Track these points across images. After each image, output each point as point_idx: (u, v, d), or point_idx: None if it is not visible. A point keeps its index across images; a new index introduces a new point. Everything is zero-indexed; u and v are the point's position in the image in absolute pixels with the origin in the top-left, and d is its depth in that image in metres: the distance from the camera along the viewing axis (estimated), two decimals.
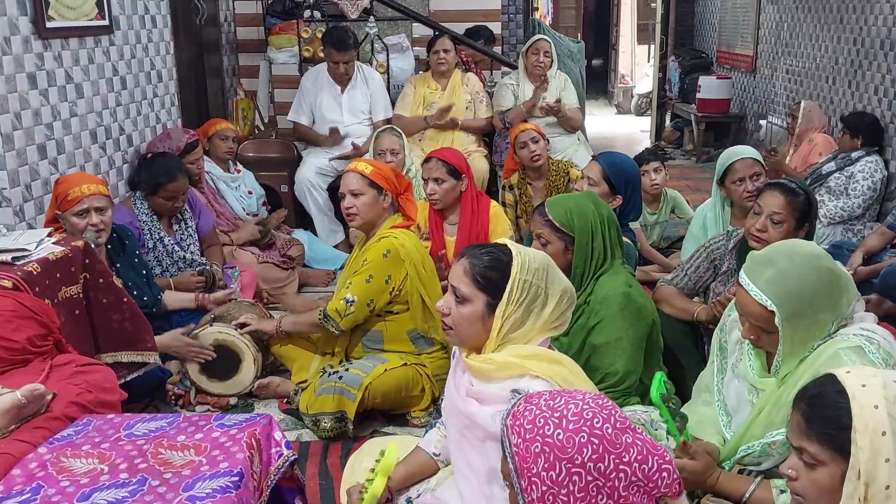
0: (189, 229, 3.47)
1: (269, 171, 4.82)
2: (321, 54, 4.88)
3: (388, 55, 5.09)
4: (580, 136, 4.87)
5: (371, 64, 5.03)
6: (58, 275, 2.05)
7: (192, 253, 3.44)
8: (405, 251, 2.66)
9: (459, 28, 5.35)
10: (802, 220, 2.55)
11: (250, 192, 4.45)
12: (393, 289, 2.66)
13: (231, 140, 4.34)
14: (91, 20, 3.48)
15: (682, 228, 4.40)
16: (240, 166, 4.51)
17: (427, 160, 3.35)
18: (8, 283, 1.85)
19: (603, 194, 2.86)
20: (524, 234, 3.88)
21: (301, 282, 4.01)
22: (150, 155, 3.46)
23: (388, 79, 5.05)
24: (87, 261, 2.18)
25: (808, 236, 2.56)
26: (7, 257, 1.99)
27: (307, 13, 5.11)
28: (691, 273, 2.78)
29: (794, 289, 1.72)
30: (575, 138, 4.79)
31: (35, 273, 1.95)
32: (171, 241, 3.38)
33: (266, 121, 5.32)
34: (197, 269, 3.35)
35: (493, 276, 1.70)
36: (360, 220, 2.73)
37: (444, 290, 2.91)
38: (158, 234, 3.33)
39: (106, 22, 3.60)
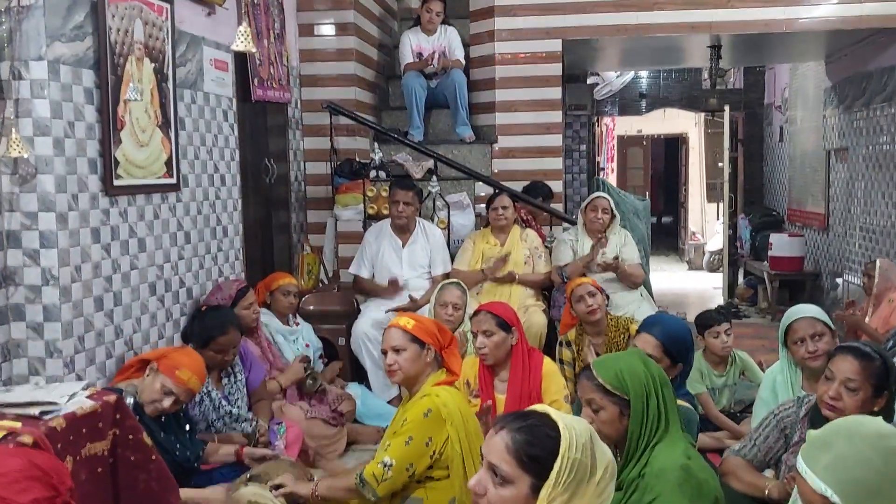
0: (238, 383, 3.43)
1: (329, 323, 4.83)
2: (385, 211, 4.99)
3: (448, 212, 5.17)
4: (643, 291, 4.75)
5: (433, 220, 5.10)
6: (84, 430, 2.00)
7: (239, 408, 3.38)
8: (447, 411, 2.53)
9: (520, 186, 5.43)
10: (880, 387, 2.34)
11: (308, 345, 4.44)
12: (434, 452, 2.51)
13: (293, 295, 4.38)
14: (159, 178, 3.64)
15: (755, 390, 4.15)
16: (299, 319, 4.53)
17: (476, 313, 3.27)
18: (28, 440, 1.81)
19: (665, 368, 2.69)
20: None
21: (350, 439, 3.88)
22: (204, 308, 3.50)
23: (449, 234, 5.11)
24: (117, 416, 2.14)
25: (889, 407, 2.34)
26: (35, 411, 1.97)
27: (373, 173, 5.28)
28: (760, 443, 2.56)
29: (857, 476, 1.52)
30: (637, 294, 4.67)
31: (59, 429, 1.91)
32: (219, 396, 3.34)
33: (330, 275, 5.40)
34: (242, 432, 3.29)
35: (539, 454, 1.50)
36: (402, 377, 2.65)
37: None
38: (206, 387, 3.30)
39: (174, 180, 3.77)
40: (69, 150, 2.99)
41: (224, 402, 3.33)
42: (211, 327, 3.29)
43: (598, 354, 3.70)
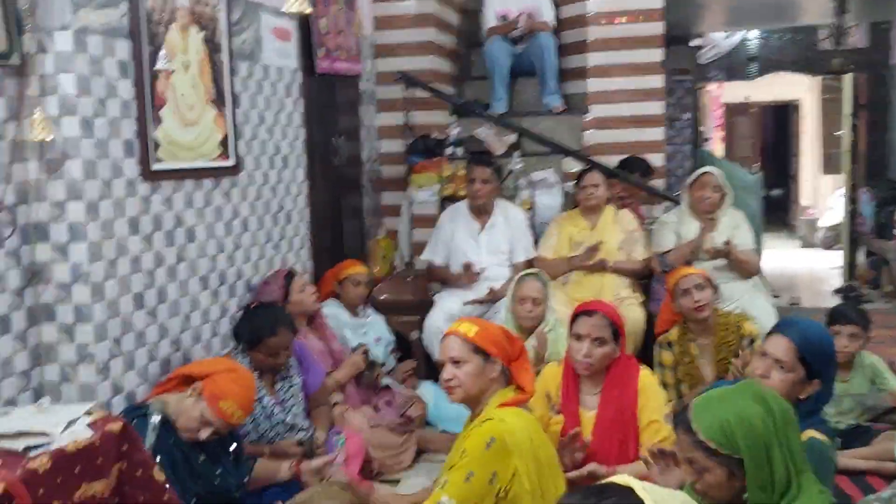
0: (294, 388, 3.09)
1: (403, 315, 4.45)
2: (463, 192, 4.55)
3: (533, 191, 4.68)
4: (757, 281, 4.15)
5: (515, 201, 4.63)
6: (77, 469, 1.68)
7: (294, 415, 3.04)
8: (514, 440, 2.09)
9: (614, 161, 4.88)
10: None
11: (377, 339, 4.08)
12: (500, 490, 2.08)
13: (363, 285, 4.03)
14: (212, 161, 3.31)
15: (886, 396, 3.52)
16: (369, 311, 4.17)
17: (588, 313, 2.74)
18: (0, 487, 1.49)
19: (797, 381, 2.16)
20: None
21: (420, 447, 3.49)
22: (253, 305, 3.16)
23: (533, 216, 4.62)
24: (123, 447, 1.81)
25: None
26: (19, 446, 1.65)
27: (450, 150, 4.84)
28: None
29: None
30: (750, 284, 4.07)
31: (41, 472, 1.58)
32: (272, 402, 3.01)
33: (407, 261, 5.01)
34: (296, 439, 2.95)
35: None
36: (462, 394, 2.24)
37: (570, 486, 2.35)
38: (259, 392, 2.96)
39: (230, 162, 3.44)
40: (100, 130, 2.68)
41: (277, 410, 3.00)
42: (260, 327, 2.95)
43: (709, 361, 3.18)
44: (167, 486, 1.90)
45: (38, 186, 2.61)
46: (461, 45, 5.93)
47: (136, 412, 2.37)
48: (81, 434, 1.73)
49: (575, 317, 2.78)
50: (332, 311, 3.93)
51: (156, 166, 2.94)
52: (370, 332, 4.05)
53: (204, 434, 2.43)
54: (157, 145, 2.94)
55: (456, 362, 2.23)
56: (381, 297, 4.50)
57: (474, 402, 2.25)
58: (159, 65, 2.83)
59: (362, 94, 4.93)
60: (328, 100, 4.51)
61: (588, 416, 2.68)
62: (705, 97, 10.86)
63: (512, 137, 4.94)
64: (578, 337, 2.70)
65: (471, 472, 2.07)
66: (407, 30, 5.19)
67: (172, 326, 3.06)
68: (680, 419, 1.74)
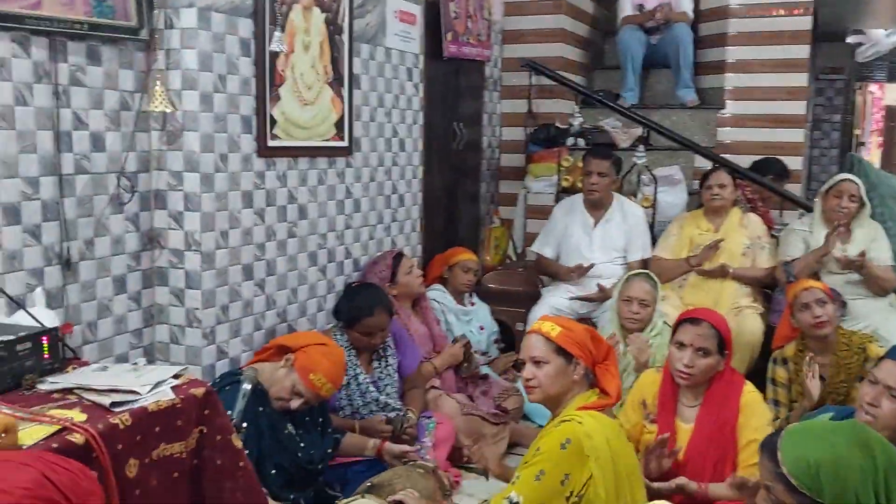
0: (389, 368, 3.12)
1: (509, 305, 4.41)
2: (580, 185, 4.44)
3: (655, 188, 4.50)
4: (893, 300, 3.81)
5: (636, 197, 4.47)
6: (156, 429, 1.74)
7: (387, 395, 3.07)
8: (591, 443, 2.00)
9: (748, 161, 4.62)
10: None
11: (482, 328, 4.06)
12: (571, 493, 1.99)
13: (472, 273, 4.02)
14: (326, 140, 3.38)
15: None
16: (475, 299, 4.15)
17: (693, 321, 2.59)
18: (80, 440, 1.57)
19: None
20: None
21: (512, 440, 3.44)
22: (354, 285, 3.20)
23: (654, 214, 4.44)
24: (206, 412, 1.87)
25: None
26: (107, 401, 1.73)
27: (570, 141, 4.73)
28: None
29: None
30: (885, 303, 3.75)
31: (121, 427, 1.66)
32: (367, 380, 3.05)
33: (519, 251, 4.96)
34: (386, 416, 2.97)
35: None
36: (541, 395, 2.16)
37: (654, 496, 2.24)
38: (354, 370, 3.01)
39: (345, 143, 3.50)
40: (219, 105, 2.78)
41: (372, 388, 3.03)
42: (358, 307, 2.99)
43: (822, 379, 2.95)
44: (245, 452, 1.95)
45: (158, 156, 2.75)
46: (596, 34, 5.78)
47: (231, 378, 2.46)
48: (165, 395, 1.80)
49: (679, 324, 2.65)
50: (438, 296, 3.94)
51: (272, 143, 3.03)
52: (474, 320, 4.04)
53: (294, 404, 2.49)
54: (273, 123, 3.02)
55: (537, 362, 2.17)
56: (490, 286, 4.48)
57: (554, 404, 2.18)
58: (274, 46, 2.89)
59: (487, 80, 4.90)
60: (451, 84, 4.50)
61: (684, 428, 2.54)
62: (863, 98, 10.10)
63: (639, 130, 4.77)
64: (680, 345, 2.57)
65: (542, 470, 2.00)
66: (538, 16, 5.11)
67: (279, 298, 3.15)
68: (767, 444, 1.61)
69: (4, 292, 2.26)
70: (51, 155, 2.40)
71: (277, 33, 2.89)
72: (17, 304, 2.24)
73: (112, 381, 1.86)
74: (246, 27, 2.87)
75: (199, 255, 2.76)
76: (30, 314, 2.11)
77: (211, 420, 1.90)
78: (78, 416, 1.69)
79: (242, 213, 2.93)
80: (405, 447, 2.81)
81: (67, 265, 2.48)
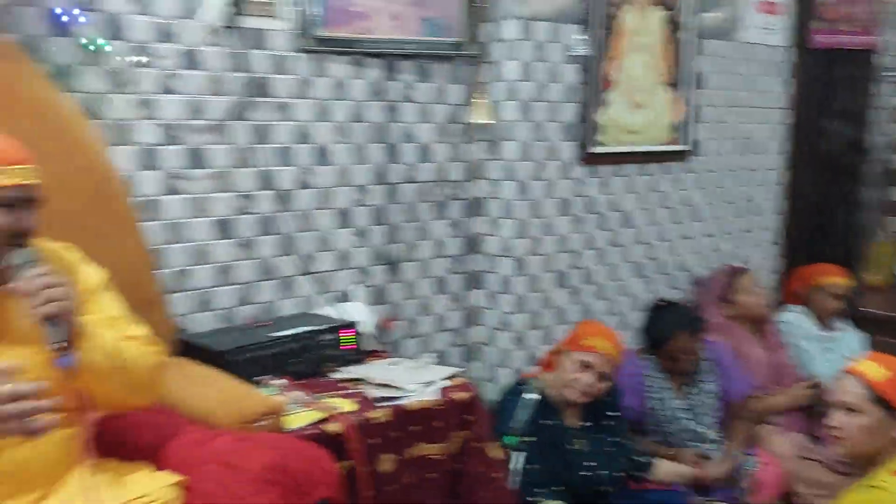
0: (704, 396, 2.83)
1: (891, 335, 3.73)
2: None
3: None
4: None
5: None
6: (415, 428, 1.82)
7: (703, 425, 2.81)
8: None
9: None
10: None
11: (847, 359, 3.49)
12: None
13: (841, 298, 3.48)
14: (660, 145, 3.21)
15: None
16: (845, 323, 3.59)
17: None
18: (337, 429, 1.70)
19: None
20: None
21: None
22: (659, 303, 2.95)
23: None
24: (469, 417, 1.90)
25: None
26: (376, 394, 1.86)
27: None
28: None
29: None
30: None
31: (379, 423, 1.76)
32: (678, 405, 2.82)
33: None
34: (696, 452, 2.73)
35: None
36: (848, 450, 1.80)
37: None
38: (662, 393, 2.81)
39: (683, 147, 3.29)
40: (538, 114, 2.81)
41: (683, 415, 2.80)
42: (658, 328, 2.78)
43: None
44: (503, 462, 1.94)
45: (479, 165, 2.87)
46: None
47: (516, 388, 2.46)
48: (429, 395, 1.88)
49: None
50: (793, 319, 3.48)
51: (595, 149, 2.97)
52: (838, 349, 3.49)
53: (587, 377, 2.35)
54: (599, 129, 2.95)
55: (849, 409, 1.80)
56: (869, 310, 3.84)
57: (863, 462, 1.79)
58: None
59: (875, 71, 4.19)
60: (823, 78, 3.95)
61: None
62: None
63: None
64: None
65: None
66: None
67: (596, 307, 3.08)
68: None
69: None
70: (381, 165, 2.65)
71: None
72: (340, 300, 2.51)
73: (388, 376, 1.99)
74: (569, 33, 2.84)
75: (512, 261, 2.82)
76: (341, 310, 2.36)
77: (473, 426, 1.93)
78: (349, 406, 1.84)
79: (559, 220, 2.92)
80: (724, 466, 2.58)
81: (392, 265, 2.72)
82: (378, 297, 2.68)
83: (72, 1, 2.03)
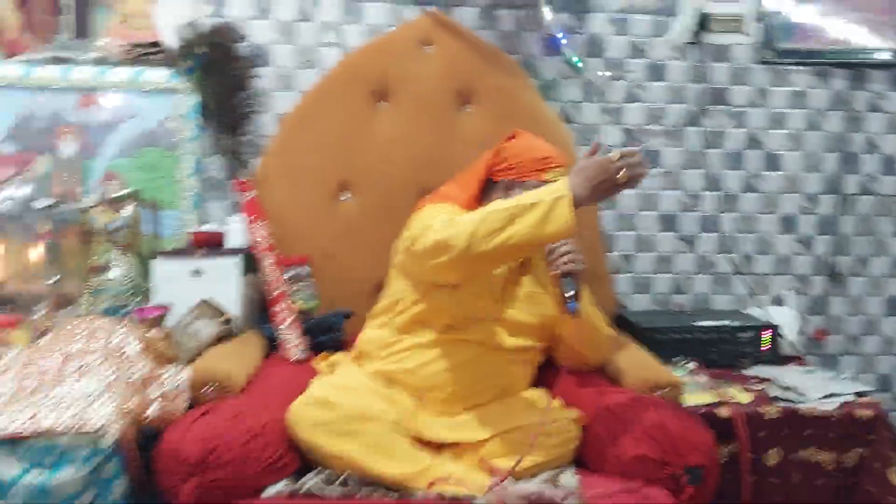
0: None
1: None
2: None
3: None
4: None
5: None
6: (806, 432, 1.85)
7: None
8: None
9: None
10: None
11: None
12: None
13: None
14: None
15: None
16: None
17: None
18: (724, 413, 1.85)
19: None
20: None
21: None
22: None
23: None
24: (870, 436, 1.86)
25: None
26: (777, 393, 1.94)
27: None
28: None
29: None
30: None
31: (770, 419, 1.84)
32: None
33: None
34: None
35: None
36: None
37: None
38: None
39: None
40: None
41: None
42: None
43: None
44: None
45: None
46: None
47: None
48: (825, 405, 1.91)
49: None
50: None
51: None
52: None
53: None
54: None
55: None
56: None
57: None
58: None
59: None
60: None
61: None
62: None
63: None
64: None
65: None
66: None
67: None
68: None
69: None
70: (835, 175, 2.64)
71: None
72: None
73: (796, 382, 2.06)
74: None
75: None
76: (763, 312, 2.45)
77: (874, 445, 1.91)
78: (745, 398, 1.99)
79: None
80: None
81: (836, 277, 2.69)
82: (814, 307, 2.68)
83: (566, 25, 2.50)
